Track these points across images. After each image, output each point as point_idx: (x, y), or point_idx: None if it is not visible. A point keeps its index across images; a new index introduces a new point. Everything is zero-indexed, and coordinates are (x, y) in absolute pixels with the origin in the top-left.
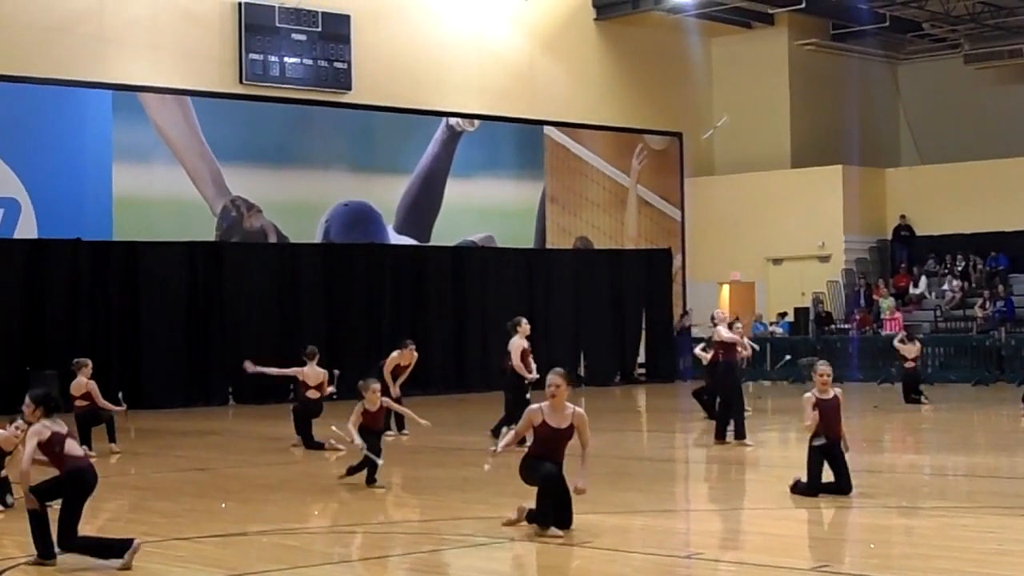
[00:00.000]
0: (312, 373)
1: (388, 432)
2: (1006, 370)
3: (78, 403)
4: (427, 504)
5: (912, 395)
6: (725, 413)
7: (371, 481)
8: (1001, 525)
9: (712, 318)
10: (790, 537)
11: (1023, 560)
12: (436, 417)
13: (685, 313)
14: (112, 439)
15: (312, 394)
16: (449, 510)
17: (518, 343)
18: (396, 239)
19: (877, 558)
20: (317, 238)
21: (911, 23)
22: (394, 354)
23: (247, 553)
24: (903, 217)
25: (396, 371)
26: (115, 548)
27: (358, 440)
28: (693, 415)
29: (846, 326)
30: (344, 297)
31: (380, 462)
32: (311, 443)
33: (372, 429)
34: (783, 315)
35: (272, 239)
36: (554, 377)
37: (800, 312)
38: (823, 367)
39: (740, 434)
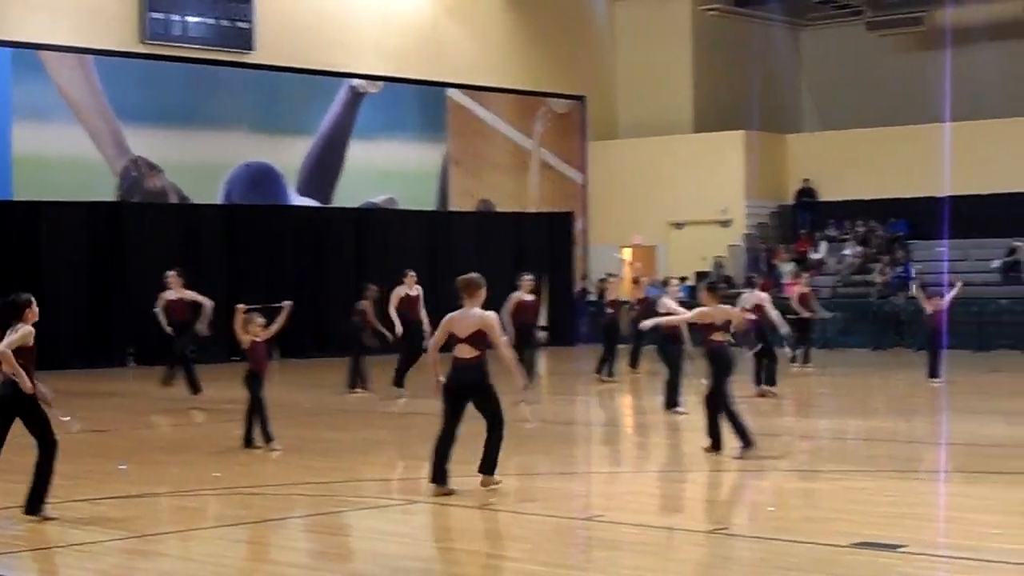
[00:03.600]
0: None
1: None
2: (905, 335)
3: None
4: (327, 466)
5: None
6: (675, 383)
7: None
8: (898, 488)
9: (664, 283)
10: (689, 499)
11: (920, 522)
12: (335, 378)
13: (584, 277)
14: None
15: None
16: (349, 472)
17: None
18: (298, 200)
19: (776, 520)
20: (219, 199)
21: None
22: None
23: (147, 515)
24: (806, 181)
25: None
26: None
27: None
28: (593, 378)
29: (747, 290)
30: (245, 258)
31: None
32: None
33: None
34: (683, 279)
35: (173, 200)
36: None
37: (701, 276)
38: None
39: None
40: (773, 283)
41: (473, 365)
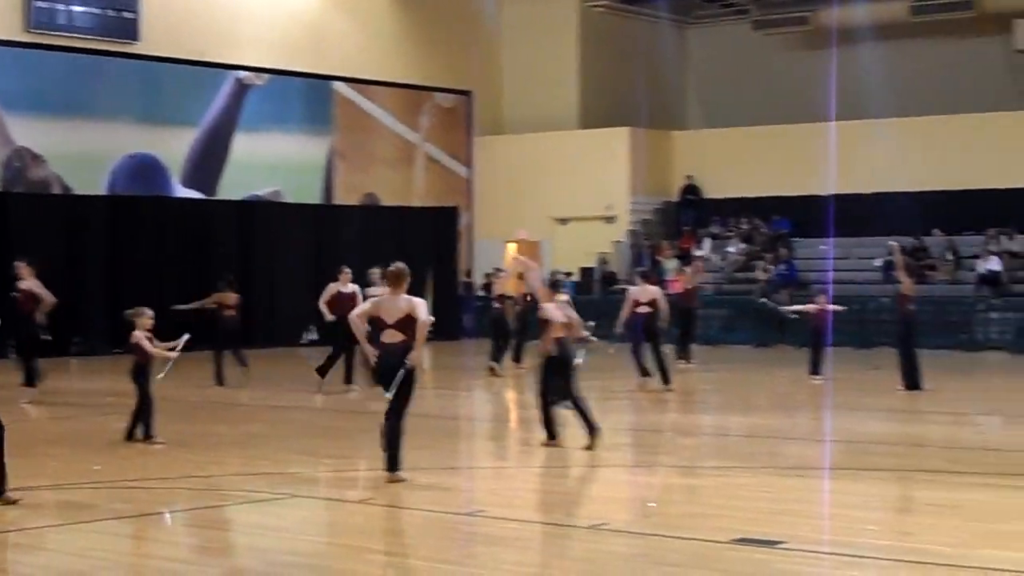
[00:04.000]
0: None
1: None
2: (787, 333)
3: None
4: (209, 460)
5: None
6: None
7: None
8: (779, 484)
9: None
10: (571, 495)
11: (799, 518)
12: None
13: (468, 273)
14: None
15: None
16: (232, 466)
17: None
18: (182, 192)
19: (657, 516)
20: (103, 190)
21: None
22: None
23: (27, 509)
24: (689, 178)
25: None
26: None
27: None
28: (478, 373)
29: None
30: (129, 249)
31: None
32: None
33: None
34: (568, 275)
35: (56, 190)
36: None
37: (586, 272)
38: None
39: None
40: (657, 279)
41: (401, 349)
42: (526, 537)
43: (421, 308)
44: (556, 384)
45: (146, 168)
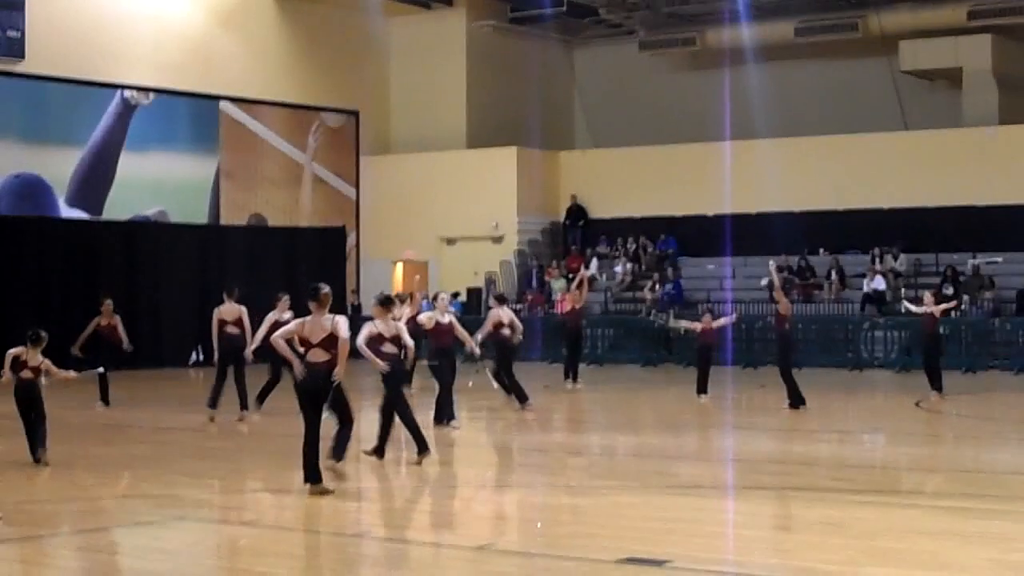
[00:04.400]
0: None
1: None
2: (673, 351)
3: None
4: (94, 482)
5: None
6: (446, 397)
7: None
8: (667, 504)
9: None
10: (458, 515)
11: (686, 537)
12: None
13: (355, 291)
14: None
15: None
16: (117, 488)
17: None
18: (68, 212)
19: (543, 537)
20: None
21: (588, 8)
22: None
23: None
24: (573, 197)
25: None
26: None
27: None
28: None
29: (518, 306)
30: (13, 271)
31: None
32: None
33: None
34: (455, 295)
35: None
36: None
37: (473, 292)
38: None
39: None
40: (545, 299)
41: (326, 369)
42: (413, 558)
43: (343, 327)
44: (389, 397)
45: (31, 188)
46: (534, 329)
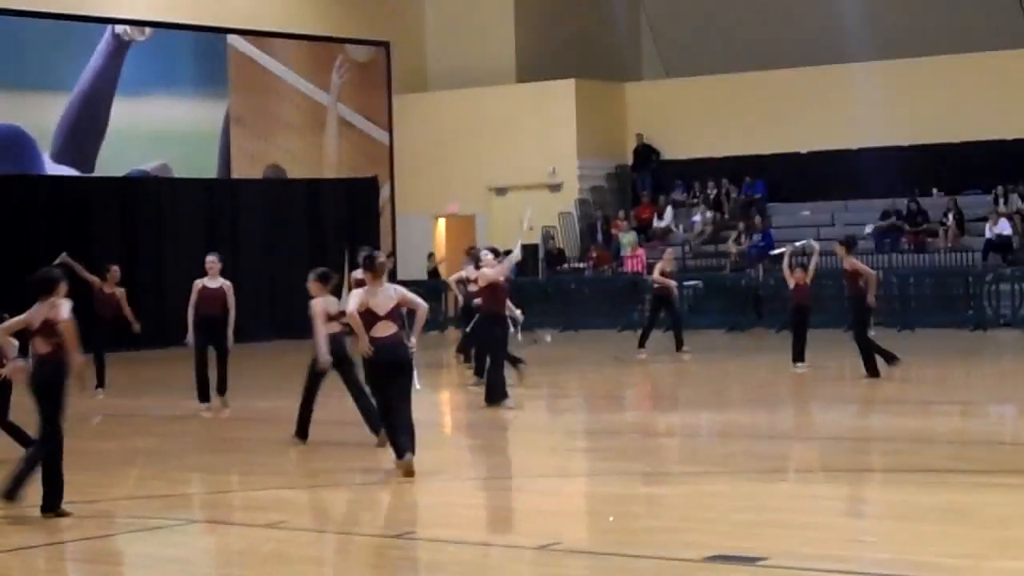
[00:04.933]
0: None
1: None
2: (764, 314)
3: None
4: (93, 483)
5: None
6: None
7: None
8: (757, 491)
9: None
10: (517, 511)
11: (780, 531)
12: (111, 378)
13: (392, 254)
14: None
15: None
16: (120, 489)
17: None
18: (54, 168)
19: (615, 532)
20: None
21: None
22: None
23: None
24: (639, 136)
25: None
26: None
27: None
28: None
29: (581, 265)
30: None
31: None
32: None
33: None
34: (507, 252)
35: None
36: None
37: (528, 250)
38: None
39: (498, 395)
40: (612, 256)
41: (397, 341)
42: (464, 561)
43: (409, 296)
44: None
45: (10, 141)
46: (600, 291)
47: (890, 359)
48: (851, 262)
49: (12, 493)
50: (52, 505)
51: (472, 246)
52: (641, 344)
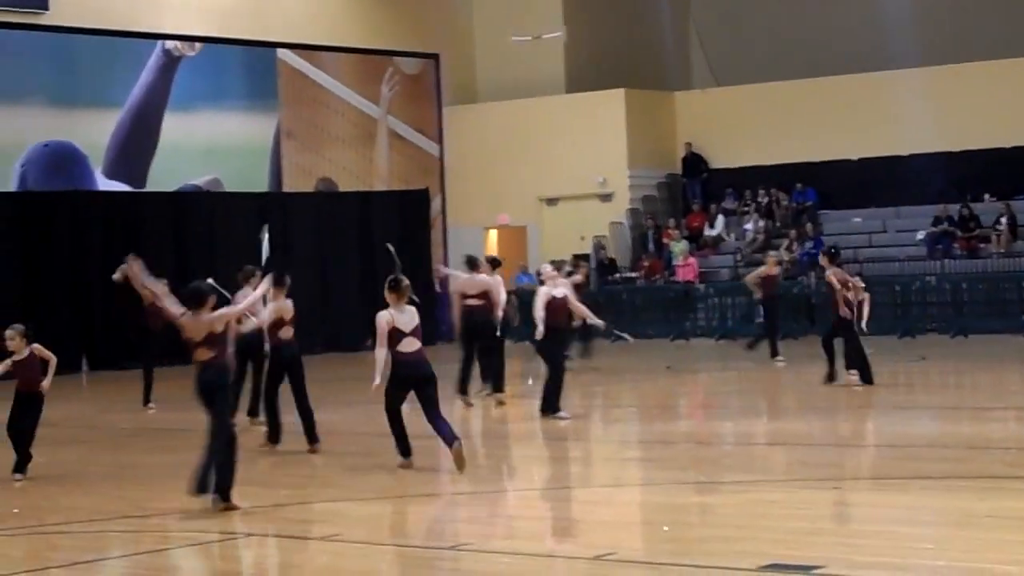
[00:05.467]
0: None
1: None
2: (817, 321)
3: None
4: (147, 496)
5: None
6: (554, 385)
7: None
8: (812, 500)
9: (537, 274)
10: (572, 521)
11: (835, 539)
12: (155, 392)
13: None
14: None
15: None
16: (173, 502)
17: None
18: (106, 184)
19: (671, 542)
20: (12, 186)
21: None
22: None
23: None
24: (688, 145)
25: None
26: None
27: None
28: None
29: (633, 274)
30: (45, 252)
31: None
32: None
33: None
34: (561, 263)
35: None
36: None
37: (579, 259)
38: None
39: (551, 407)
40: (664, 265)
41: (421, 357)
42: (520, 573)
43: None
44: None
45: (63, 158)
46: (652, 300)
47: (830, 376)
48: (830, 273)
49: (202, 486)
50: (226, 496)
51: (470, 255)
52: (773, 353)
